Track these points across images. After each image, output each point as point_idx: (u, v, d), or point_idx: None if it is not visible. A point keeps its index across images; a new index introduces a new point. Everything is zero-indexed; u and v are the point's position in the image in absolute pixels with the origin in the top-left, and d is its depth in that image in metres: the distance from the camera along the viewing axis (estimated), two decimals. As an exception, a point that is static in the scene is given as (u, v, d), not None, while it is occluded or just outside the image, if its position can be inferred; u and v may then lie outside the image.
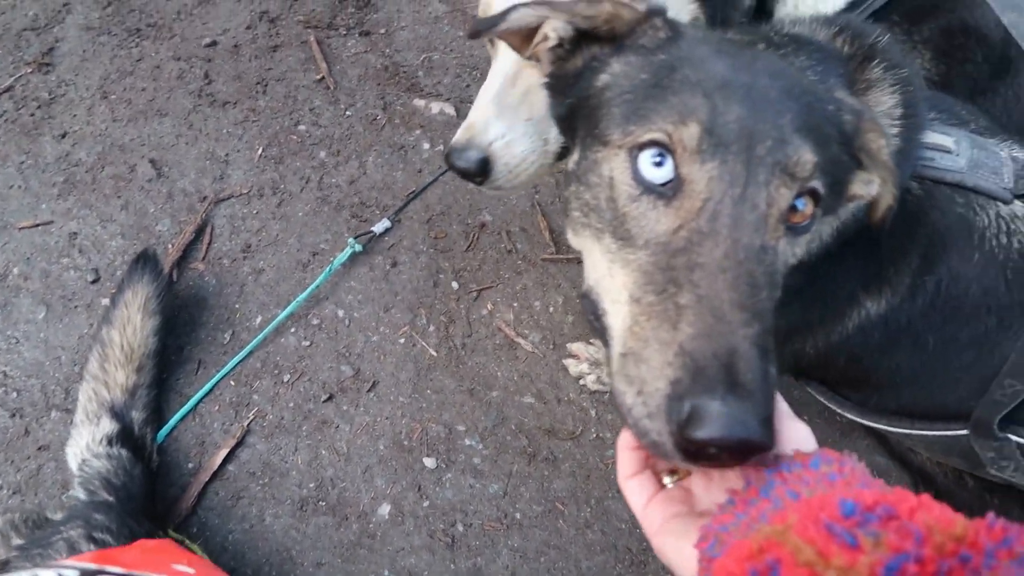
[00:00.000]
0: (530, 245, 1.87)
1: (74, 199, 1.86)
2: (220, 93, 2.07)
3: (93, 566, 1.02)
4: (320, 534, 1.49)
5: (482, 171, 1.09)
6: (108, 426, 1.42)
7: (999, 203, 0.94)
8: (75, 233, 1.81)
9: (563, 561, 1.49)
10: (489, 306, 1.78)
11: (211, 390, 1.62)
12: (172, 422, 1.57)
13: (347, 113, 2.06)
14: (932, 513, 0.46)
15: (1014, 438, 0.94)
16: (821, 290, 1.01)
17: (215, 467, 1.53)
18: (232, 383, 1.64)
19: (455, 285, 1.80)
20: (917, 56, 1.22)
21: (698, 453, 0.56)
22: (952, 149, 0.95)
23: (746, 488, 0.58)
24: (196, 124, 2.01)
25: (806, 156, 0.69)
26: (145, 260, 1.61)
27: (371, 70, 2.15)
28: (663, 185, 0.70)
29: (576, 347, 1.70)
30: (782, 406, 0.63)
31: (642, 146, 0.71)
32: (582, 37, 0.85)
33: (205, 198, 1.88)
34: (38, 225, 1.81)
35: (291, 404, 1.62)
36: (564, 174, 0.87)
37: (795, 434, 0.61)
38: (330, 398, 1.63)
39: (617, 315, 0.69)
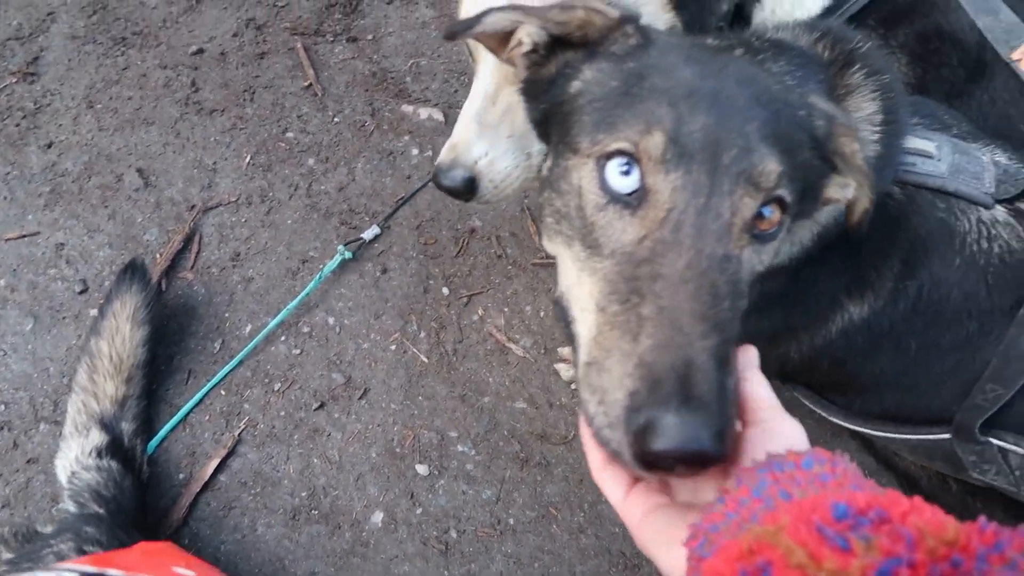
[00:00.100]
0: (520, 250, 1.87)
1: (61, 209, 1.85)
2: (207, 101, 2.06)
3: (93, 569, 1.03)
4: (313, 543, 1.48)
5: (469, 189, 1.11)
6: (98, 438, 1.42)
7: (980, 208, 0.94)
8: (62, 244, 1.80)
9: (557, 566, 1.49)
10: (480, 312, 1.78)
11: (201, 400, 1.61)
12: (162, 433, 1.56)
13: (335, 120, 2.06)
14: (924, 516, 0.46)
15: (995, 442, 0.95)
16: (804, 294, 1.02)
17: (206, 477, 1.52)
18: (222, 392, 1.63)
19: (445, 291, 1.80)
20: (894, 61, 1.23)
21: (655, 463, 0.57)
22: (934, 154, 0.95)
23: (737, 487, 0.57)
24: (183, 132, 2.00)
25: (771, 166, 0.69)
26: (133, 270, 1.60)
27: (359, 76, 2.15)
28: (629, 195, 0.70)
29: (567, 351, 1.70)
30: (775, 402, 0.63)
31: (609, 155, 0.71)
32: (556, 43, 0.85)
33: (193, 207, 1.87)
34: (24, 236, 1.80)
35: (282, 413, 1.62)
36: (539, 180, 0.87)
37: (788, 432, 0.61)
38: (321, 406, 1.63)
39: (584, 323, 0.70)
